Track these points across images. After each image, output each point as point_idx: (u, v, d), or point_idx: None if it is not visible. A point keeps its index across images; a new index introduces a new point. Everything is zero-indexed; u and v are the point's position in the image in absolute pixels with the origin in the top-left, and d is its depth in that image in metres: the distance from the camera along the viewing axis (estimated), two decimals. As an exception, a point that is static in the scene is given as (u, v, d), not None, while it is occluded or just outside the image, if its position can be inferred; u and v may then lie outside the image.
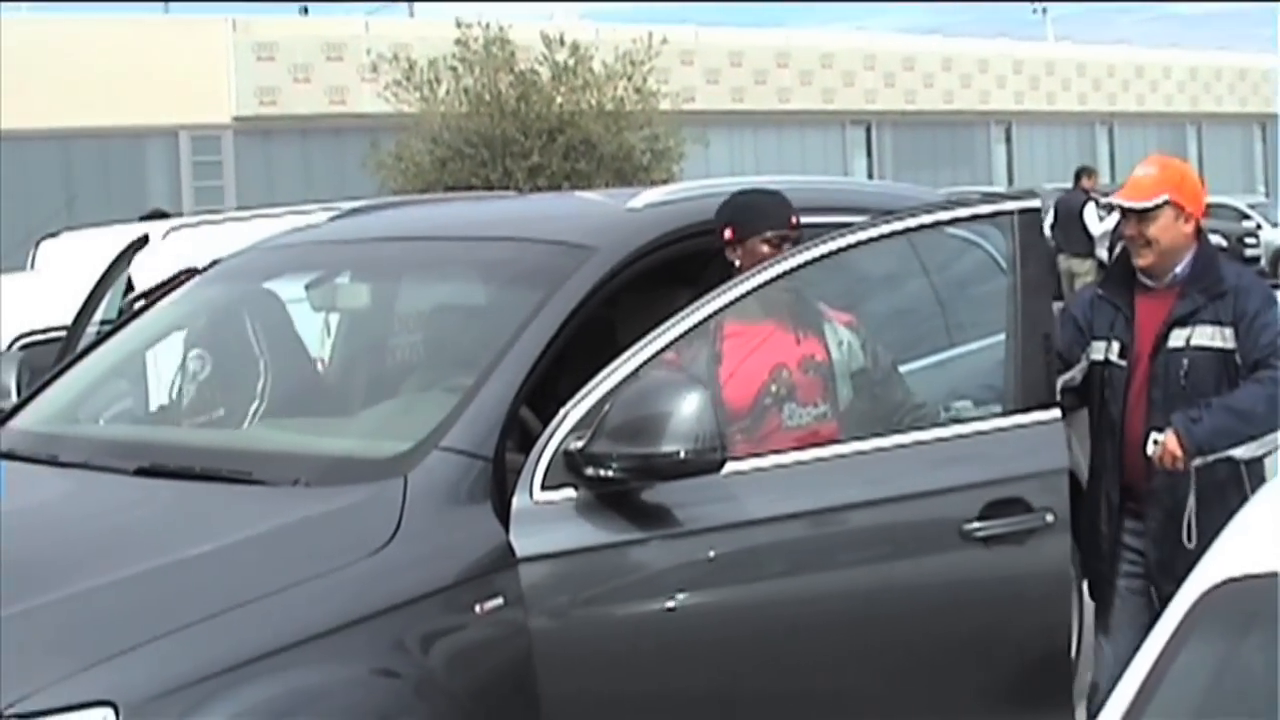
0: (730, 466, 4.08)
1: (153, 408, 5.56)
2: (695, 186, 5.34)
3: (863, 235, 4.56)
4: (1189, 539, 4.84)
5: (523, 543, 3.89)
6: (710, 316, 4.32)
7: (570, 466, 3.98)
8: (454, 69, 23.59)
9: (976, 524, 4.42)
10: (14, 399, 5.37)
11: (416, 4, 39.47)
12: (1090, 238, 20.08)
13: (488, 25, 23.67)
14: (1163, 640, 2.66)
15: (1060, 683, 4.62)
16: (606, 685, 4.03)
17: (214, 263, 5.61)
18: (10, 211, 26.28)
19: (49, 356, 6.91)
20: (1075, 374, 5.18)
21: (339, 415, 4.82)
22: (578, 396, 4.08)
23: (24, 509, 4.15)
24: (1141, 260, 5.14)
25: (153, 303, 5.70)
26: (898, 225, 4.66)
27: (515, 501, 3.95)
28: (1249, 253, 29.37)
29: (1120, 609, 5.17)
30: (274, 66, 31.99)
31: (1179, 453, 4.85)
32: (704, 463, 3.93)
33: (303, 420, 4.88)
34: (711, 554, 4.12)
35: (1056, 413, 4.64)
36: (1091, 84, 47.08)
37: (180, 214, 16.65)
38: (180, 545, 3.71)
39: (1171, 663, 2.59)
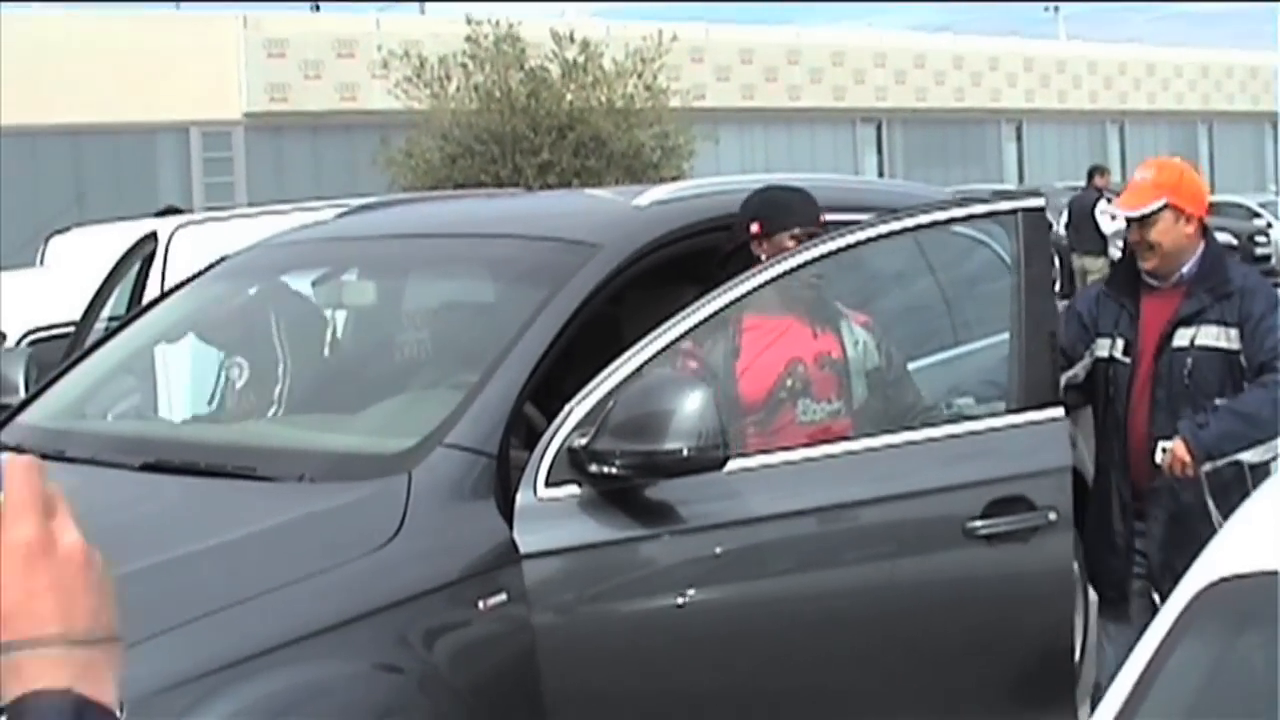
0: (733, 464, 4.09)
1: (179, 413, 5.58)
2: (700, 184, 5.36)
3: (867, 233, 4.58)
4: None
5: (526, 539, 3.90)
6: (714, 315, 4.33)
7: (574, 463, 3.99)
8: (464, 66, 23.61)
9: (980, 522, 4.43)
10: (22, 394, 5.38)
11: (428, 2, 39.53)
12: (1103, 236, 20.12)
13: (498, 23, 23.68)
14: (1158, 638, 2.67)
15: (1063, 681, 4.63)
16: (609, 681, 4.04)
17: (221, 259, 5.63)
18: (21, 207, 26.31)
19: (57, 352, 6.93)
20: (1079, 370, 5.19)
21: (344, 411, 4.84)
22: (582, 394, 4.09)
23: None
24: (1146, 264, 5.16)
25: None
26: (901, 223, 4.67)
27: (519, 498, 3.96)
28: (1259, 251, 29.28)
29: (1123, 608, 5.18)
30: (285, 63, 32.01)
31: (1188, 459, 4.86)
32: (706, 460, 3.94)
33: (308, 416, 4.90)
34: (719, 550, 4.14)
35: (1060, 411, 4.66)
36: (1103, 82, 47.02)
37: (192, 210, 16.69)
38: (185, 541, 3.73)
39: (1166, 661, 2.60)
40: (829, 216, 4.87)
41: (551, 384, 4.47)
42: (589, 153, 23.01)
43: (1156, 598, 4.97)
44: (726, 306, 4.35)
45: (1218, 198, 33.29)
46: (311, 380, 5.33)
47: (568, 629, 3.96)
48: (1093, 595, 5.58)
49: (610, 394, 4.06)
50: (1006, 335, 4.77)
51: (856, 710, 4.38)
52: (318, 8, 39.97)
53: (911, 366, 4.96)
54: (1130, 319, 5.15)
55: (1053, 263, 20.32)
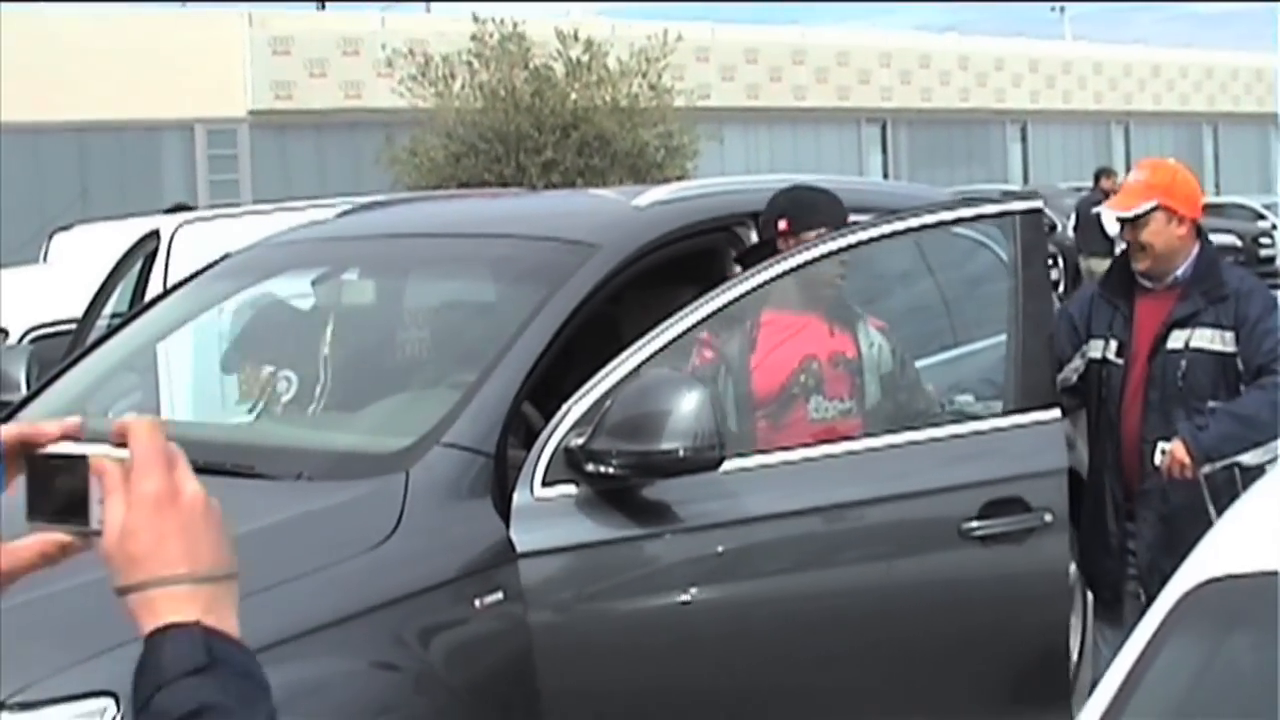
0: (729, 463, 4.11)
1: (181, 411, 5.59)
2: (700, 185, 5.38)
3: (865, 234, 4.60)
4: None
5: (523, 538, 3.92)
6: (710, 316, 4.34)
7: (571, 463, 4.01)
8: (469, 64, 23.63)
9: (975, 523, 4.45)
10: (23, 392, 5.40)
11: (435, 1, 39.54)
12: (1108, 238, 20.16)
13: (503, 21, 23.70)
14: (1145, 638, 2.68)
15: (1058, 681, 4.65)
16: (605, 680, 4.06)
17: (224, 257, 5.65)
18: (25, 204, 26.35)
19: (60, 350, 6.94)
20: (1070, 374, 5.20)
21: (343, 411, 4.85)
22: (579, 394, 4.11)
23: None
24: (1139, 265, 5.17)
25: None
26: (898, 225, 4.69)
27: (516, 497, 3.97)
28: (1264, 252, 29.26)
29: (1118, 609, 5.19)
30: (290, 61, 32.03)
31: (1187, 461, 4.87)
32: (702, 460, 3.96)
33: (307, 415, 4.91)
34: (720, 549, 4.15)
35: (1057, 413, 4.68)
36: (1108, 83, 47.00)
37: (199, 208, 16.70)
38: None
39: (1153, 661, 2.62)
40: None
41: (551, 384, 4.48)
42: (593, 152, 23.02)
43: (1146, 599, 4.99)
44: (721, 308, 4.36)
45: (1222, 199, 33.34)
46: (310, 380, 5.34)
47: (563, 628, 3.97)
48: (1090, 596, 5.59)
49: (607, 394, 4.07)
50: (1004, 337, 4.79)
51: (851, 709, 4.39)
52: (323, 5, 39.98)
53: (911, 366, 4.98)
54: (1124, 321, 5.16)
55: (1055, 264, 20.34)
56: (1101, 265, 20.13)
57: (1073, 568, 5.52)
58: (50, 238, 11.33)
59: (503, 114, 23.06)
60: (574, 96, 23.47)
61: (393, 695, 3.63)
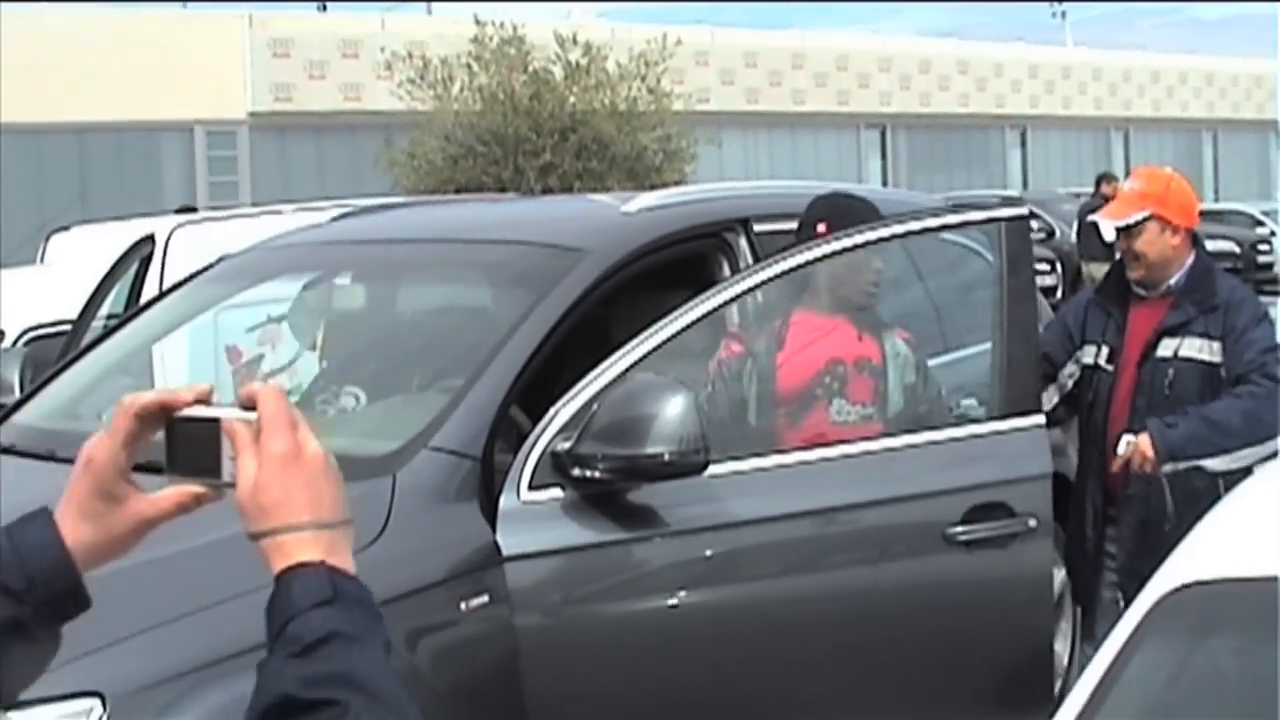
0: (715, 468, 4.13)
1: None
2: (690, 191, 5.42)
3: (853, 240, 4.62)
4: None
5: (509, 541, 3.94)
6: (695, 321, 4.36)
7: (557, 467, 4.03)
8: (468, 67, 23.65)
9: (960, 528, 4.48)
10: (17, 394, 5.42)
11: (435, 3, 39.56)
12: (1106, 243, 20.16)
13: (503, 24, 23.73)
14: (1119, 643, 2.71)
15: (1041, 685, 4.67)
16: (592, 683, 4.07)
17: (220, 259, 5.68)
18: (24, 205, 26.38)
19: (55, 351, 6.98)
20: (1065, 379, 5.23)
21: (332, 414, 4.87)
22: (565, 398, 4.13)
23: (19, 504, 4.19)
24: (1133, 273, 5.20)
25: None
26: (885, 231, 4.71)
27: (502, 501, 3.99)
28: (1262, 259, 29.28)
29: (1101, 614, 5.22)
30: (290, 63, 32.06)
31: (1150, 455, 4.90)
32: (688, 465, 3.97)
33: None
34: (708, 553, 4.18)
35: (1041, 419, 4.70)
36: (1107, 89, 47.02)
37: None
38: (167, 541, 3.72)
39: (1127, 665, 2.64)
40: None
41: (544, 388, 4.51)
42: (591, 155, 23.05)
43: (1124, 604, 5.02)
44: (709, 313, 4.38)
45: (1221, 206, 33.36)
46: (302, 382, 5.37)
47: (549, 631, 3.99)
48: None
49: (594, 398, 4.10)
50: (989, 344, 4.82)
51: (835, 712, 4.41)
52: (324, 7, 40.02)
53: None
54: (1117, 328, 5.19)
55: (1053, 270, 20.31)
56: (1102, 270, 20.10)
57: (1063, 573, 5.56)
58: (48, 239, 11.36)
59: (501, 117, 23.09)
60: (573, 100, 23.50)
61: (379, 697, 3.64)
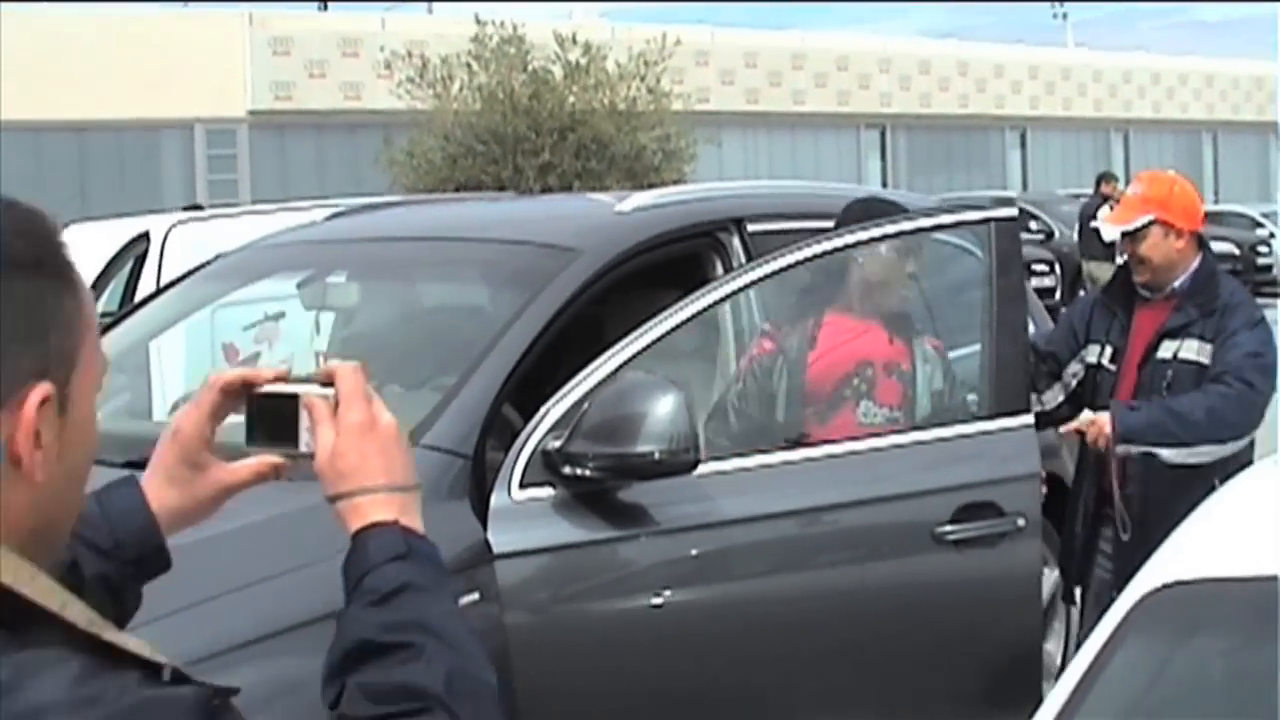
0: (705, 467, 4.14)
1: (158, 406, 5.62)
2: (683, 191, 5.43)
3: (843, 240, 4.64)
4: (1124, 530, 4.95)
5: (500, 539, 3.94)
6: (686, 320, 4.38)
7: (548, 465, 4.04)
8: (468, 66, 23.67)
9: (948, 527, 4.49)
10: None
11: (436, 2, 39.59)
12: (1105, 243, 20.19)
13: (503, 24, 23.74)
14: (1100, 642, 2.72)
15: (1029, 683, 4.68)
16: (581, 681, 4.08)
17: (217, 257, 5.70)
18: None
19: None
20: (1069, 378, 5.25)
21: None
22: (557, 396, 4.14)
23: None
24: (1139, 277, 5.22)
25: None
26: (876, 231, 4.73)
27: (493, 499, 4.00)
28: (1261, 261, 29.32)
29: (1092, 613, 5.23)
30: (290, 61, 32.10)
31: (1106, 432, 4.92)
32: (678, 463, 3.98)
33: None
34: (695, 552, 4.20)
35: (1029, 419, 4.72)
36: (1107, 90, 47.04)
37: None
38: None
39: (1107, 664, 2.66)
40: (807, 225, 4.95)
41: (536, 387, 4.52)
42: (590, 155, 23.07)
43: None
44: (700, 312, 4.40)
45: (1221, 207, 33.37)
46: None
47: (540, 629, 4.00)
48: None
49: (585, 397, 4.11)
50: (978, 345, 4.84)
51: (823, 711, 4.42)
52: (324, 6, 40.03)
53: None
54: (1121, 329, 5.21)
55: (1051, 271, 20.32)
56: (1102, 269, 20.15)
57: (1056, 574, 5.58)
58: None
59: (500, 116, 23.12)
60: (572, 99, 23.53)
61: (369, 693, 3.65)
